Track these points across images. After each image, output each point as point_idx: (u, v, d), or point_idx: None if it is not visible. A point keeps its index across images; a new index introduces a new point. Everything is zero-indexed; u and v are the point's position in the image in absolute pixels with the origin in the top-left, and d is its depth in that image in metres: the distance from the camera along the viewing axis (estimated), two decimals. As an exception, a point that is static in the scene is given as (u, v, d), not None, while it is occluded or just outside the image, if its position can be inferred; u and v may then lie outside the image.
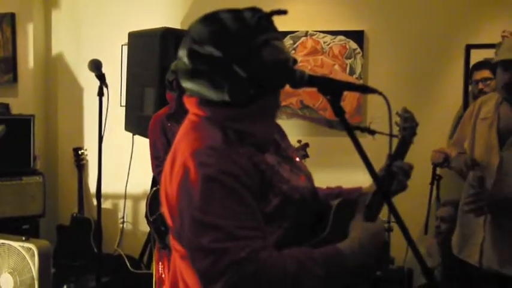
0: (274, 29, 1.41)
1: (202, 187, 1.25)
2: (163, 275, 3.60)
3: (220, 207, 1.24)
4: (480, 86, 3.60)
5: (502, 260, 2.39)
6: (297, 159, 1.60)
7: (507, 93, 2.44)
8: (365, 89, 1.43)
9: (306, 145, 3.48)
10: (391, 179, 1.66)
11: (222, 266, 1.20)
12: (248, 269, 1.20)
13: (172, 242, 1.45)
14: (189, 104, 1.45)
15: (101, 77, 3.23)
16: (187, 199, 1.28)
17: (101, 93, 3.23)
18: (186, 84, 1.41)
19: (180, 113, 3.36)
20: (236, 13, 1.37)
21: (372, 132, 1.48)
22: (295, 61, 1.44)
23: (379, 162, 1.69)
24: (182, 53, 1.40)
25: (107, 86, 3.25)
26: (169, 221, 1.41)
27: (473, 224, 2.48)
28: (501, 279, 2.41)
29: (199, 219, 1.24)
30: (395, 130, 1.74)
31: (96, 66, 3.23)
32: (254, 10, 1.38)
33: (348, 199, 1.61)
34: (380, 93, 1.39)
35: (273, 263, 1.23)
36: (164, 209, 1.42)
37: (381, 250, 1.43)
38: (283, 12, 1.36)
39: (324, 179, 1.82)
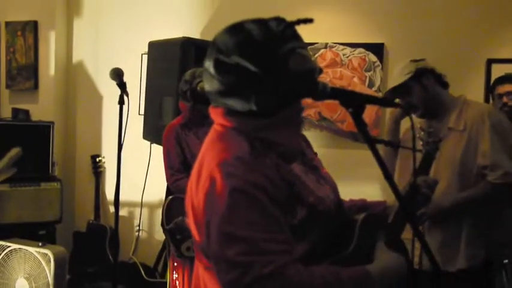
0: (300, 38, 1.40)
1: (228, 198, 1.23)
2: (177, 283, 3.59)
3: (246, 220, 1.23)
4: (504, 99, 3.59)
5: (443, 261, 2.50)
6: (323, 169, 1.58)
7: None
8: (387, 103, 1.42)
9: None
10: (414, 193, 1.65)
11: (247, 280, 1.18)
12: (273, 285, 1.18)
13: (197, 252, 1.43)
14: (215, 114, 1.44)
15: (122, 86, 3.25)
16: (214, 210, 1.26)
17: (121, 102, 3.25)
18: (212, 95, 1.40)
19: (194, 122, 3.37)
20: (261, 23, 1.36)
21: (396, 146, 1.47)
22: (320, 70, 1.43)
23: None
24: (208, 64, 1.39)
25: (127, 95, 3.27)
26: (194, 232, 1.39)
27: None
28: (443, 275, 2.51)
29: (226, 231, 1.23)
30: (418, 145, 1.73)
31: (117, 74, 3.25)
32: (278, 19, 1.38)
33: (374, 214, 1.59)
34: (402, 108, 1.38)
35: (299, 280, 1.21)
36: (190, 220, 1.40)
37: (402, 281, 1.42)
38: (309, 20, 1.34)
39: (341, 191, 1.80)
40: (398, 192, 1.39)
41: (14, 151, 3.55)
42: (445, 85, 2.65)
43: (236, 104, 1.36)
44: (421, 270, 2.55)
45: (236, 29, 1.37)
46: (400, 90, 2.57)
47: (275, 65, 1.33)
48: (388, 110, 2.72)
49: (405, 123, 2.70)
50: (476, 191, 2.52)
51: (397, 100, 2.56)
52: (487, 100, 4.13)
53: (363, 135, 1.33)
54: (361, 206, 1.70)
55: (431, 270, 1.40)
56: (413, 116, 2.66)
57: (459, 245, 2.55)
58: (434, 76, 2.61)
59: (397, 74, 2.61)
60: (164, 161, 3.50)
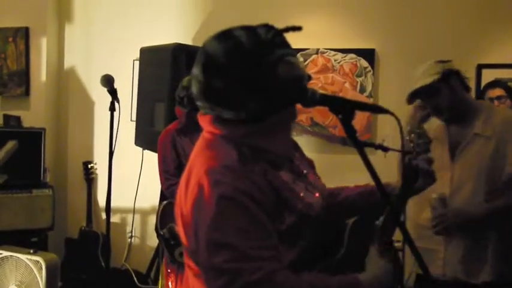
0: (288, 45, 1.40)
1: (216, 206, 1.24)
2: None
3: (234, 227, 1.23)
4: (496, 103, 3.61)
5: (466, 271, 2.43)
6: (312, 175, 1.58)
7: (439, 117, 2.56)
8: (377, 109, 1.42)
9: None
10: (414, 174, 1.63)
11: (236, 287, 1.19)
12: None
13: (186, 260, 1.43)
14: (204, 121, 1.44)
15: (113, 92, 3.25)
16: (202, 218, 1.26)
17: (112, 108, 3.25)
18: (201, 102, 1.40)
19: (189, 128, 3.37)
20: (250, 30, 1.37)
21: (385, 149, 1.46)
22: (309, 78, 1.43)
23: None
24: (197, 70, 1.39)
25: (118, 101, 3.27)
26: (183, 239, 1.39)
27: (433, 239, 2.50)
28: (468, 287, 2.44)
29: (214, 238, 1.23)
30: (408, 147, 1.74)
31: (108, 81, 3.25)
32: (268, 26, 1.38)
33: (363, 219, 1.59)
34: (392, 114, 1.38)
35: (288, 286, 1.21)
36: (179, 228, 1.41)
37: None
38: (297, 28, 1.36)
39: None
40: (388, 198, 1.40)
41: (11, 144, 3.53)
42: (468, 89, 2.54)
43: (224, 111, 1.36)
44: (445, 280, 2.46)
45: (225, 36, 1.37)
46: (425, 92, 2.45)
47: (264, 72, 1.33)
48: (407, 114, 2.58)
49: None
50: (508, 200, 2.38)
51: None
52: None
53: (352, 141, 1.33)
54: (369, 192, 1.67)
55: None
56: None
57: (485, 257, 2.41)
58: (460, 79, 2.49)
59: (421, 74, 2.47)
60: (159, 166, 3.51)
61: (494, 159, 2.40)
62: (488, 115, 2.47)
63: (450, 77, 2.45)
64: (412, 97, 2.52)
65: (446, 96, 2.45)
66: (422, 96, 2.49)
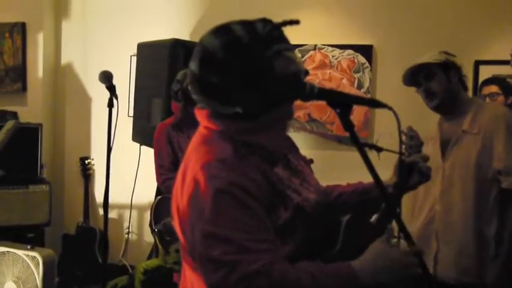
0: (286, 40, 1.40)
1: (212, 200, 1.24)
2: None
3: (230, 220, 1.23)
4: (487, 100, 3.62)
5: (460, 269, 2.42)
6: (307, 172, 1.58)
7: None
8: (375, 103, 1.41)
9: (310, 161, 3.46)
10: (409, 171, 1.63)
11: (233, 279, 1.19)
12: (260, 282, 1.19)
13: (184, 254, 1.43)
14: (200, 116, 1.44)
15: (111, 89, 3.23)
16: (198, 212, 1.27)
17: (110, 105, 3.24)
18: (198, 97, 1.40)
19: (185, 122, 3.37)
20: (247, 24, 1.36)
21: (379, 149, 1.46)
22: (306, 72, 1.43)
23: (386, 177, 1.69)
24: (194, 65, 1.38)
25: (117, 98, 3.25)
26: (180, 234, 1.39)
27: (425, 238, 2.52)
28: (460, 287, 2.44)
29: (210, 232, 1.23)
30: (402, 148, 1.74)
31: (106, 77, 3.24)
32: (265, 21, 1.38)
33: (358, 216, 1.59)
34: (390, 108, 1.37)
35: (286, 276, 1.21)
36: (175, 222, 1.41)
37: (402, 277, 1.32)
38: (295, 22, 1.35)
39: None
40: (386, 194, 1.40)
41: (10, 123, 3.53)
42: (465, 88, 2.56)
43: (221, 106, 1.36)
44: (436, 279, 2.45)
45: (222, 31, 1.37)
46: (422, 72, 2.48)
47: (261, 67, 1.33)
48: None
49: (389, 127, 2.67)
50: None
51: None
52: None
53: (350, 135, 1.33)
54: (362, 190, 1.68)
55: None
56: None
57: None
58: (459, 75, 2.52)
59: (425, 57, 2.50)
60: (155, 160, 3.51)
61: (482, 155, 2.40)
62: (477, 112, 2.48)
63: (450, 69, 2.48)
64: (408, 78, 2.53)
65: (441, 82, 2.47)
66: (418, 77, 2.50)
